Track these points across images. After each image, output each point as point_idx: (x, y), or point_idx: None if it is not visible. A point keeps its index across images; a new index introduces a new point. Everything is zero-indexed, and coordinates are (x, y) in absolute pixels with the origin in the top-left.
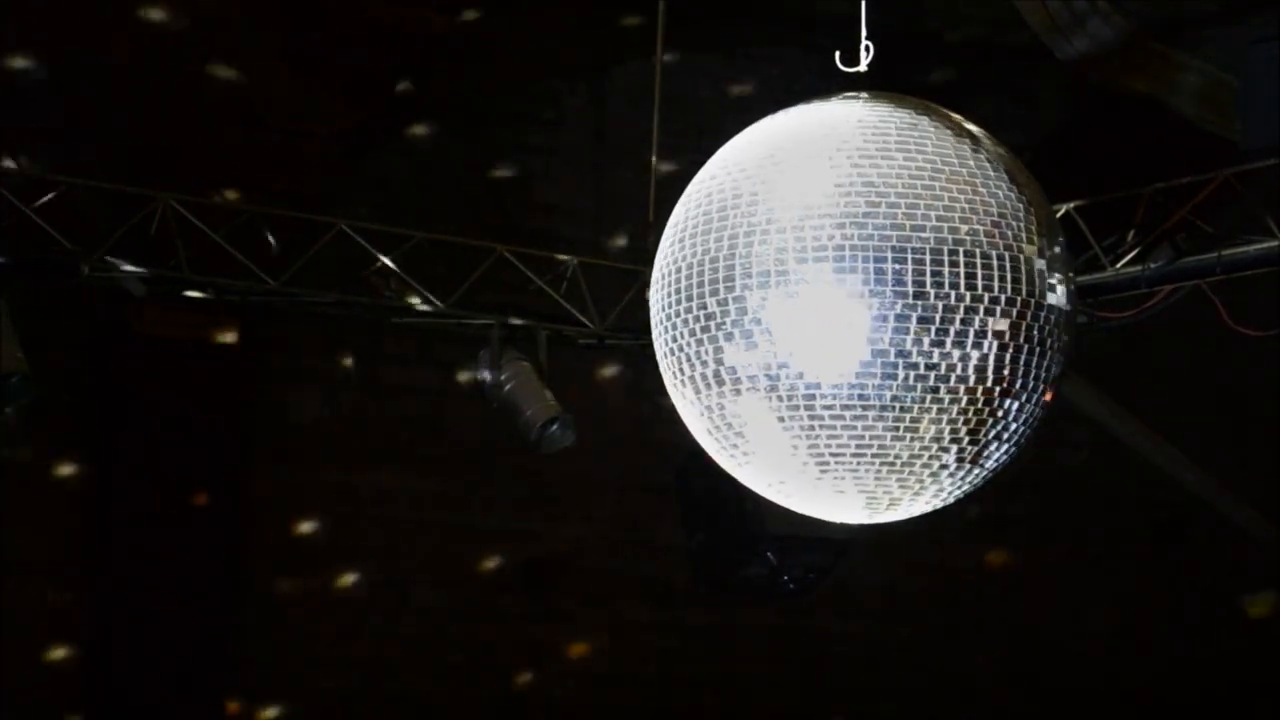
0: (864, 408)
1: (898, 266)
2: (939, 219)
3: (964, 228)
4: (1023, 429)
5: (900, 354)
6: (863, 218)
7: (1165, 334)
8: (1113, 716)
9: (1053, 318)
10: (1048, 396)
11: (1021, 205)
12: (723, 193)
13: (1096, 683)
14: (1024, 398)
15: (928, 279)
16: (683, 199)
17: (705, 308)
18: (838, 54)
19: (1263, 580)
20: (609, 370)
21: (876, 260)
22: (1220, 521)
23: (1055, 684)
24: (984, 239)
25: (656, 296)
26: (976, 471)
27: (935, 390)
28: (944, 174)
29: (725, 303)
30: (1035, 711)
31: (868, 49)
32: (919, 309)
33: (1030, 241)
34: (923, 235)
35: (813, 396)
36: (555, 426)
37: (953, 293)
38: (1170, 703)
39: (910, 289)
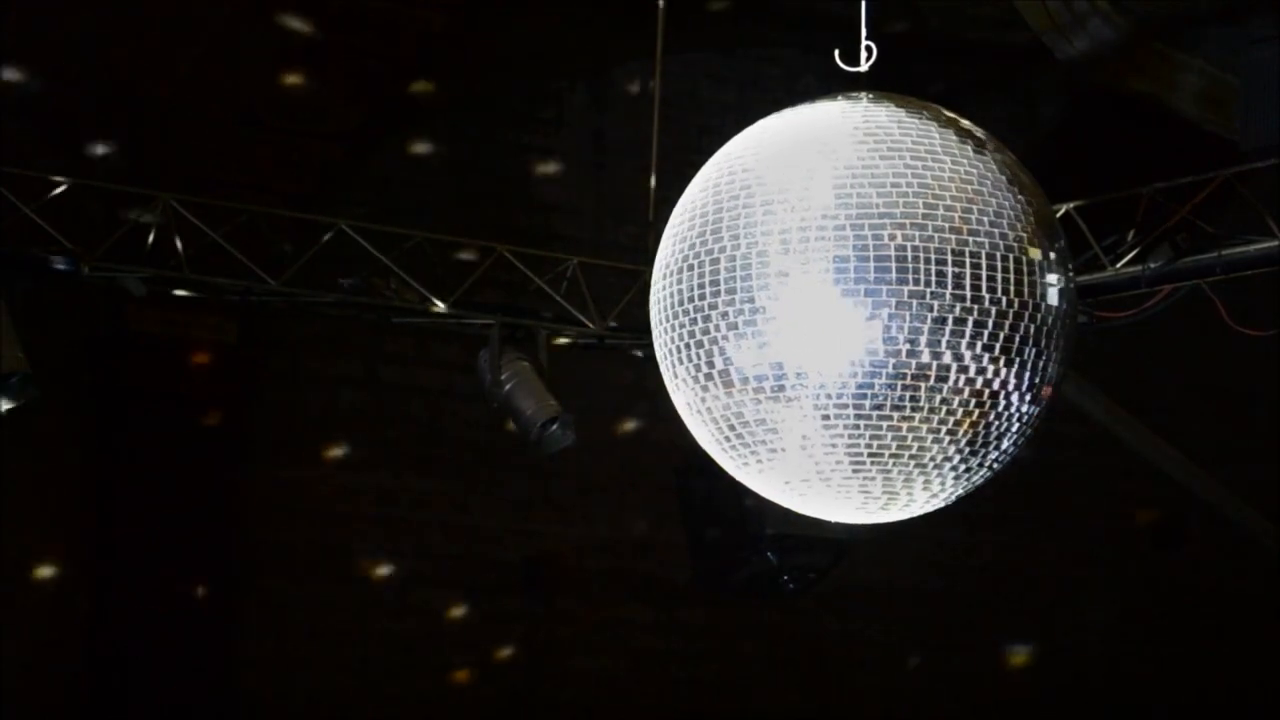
0: (913, 409)
1: (957, 270)
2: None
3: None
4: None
5: (955, 357)
6: (923, 218)
7: (1165, 334)
8: (1113, 716)
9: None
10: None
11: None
12: (764, 185)
13: (1096, 683)
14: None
15: (984, 282)
16: (708, 187)
17: (752, 301)
18: (837, 53)
19: (1263, 580)
20: (609, 370)
21: (939, 263)
22: (1220, 521)
23: (1055, 684)
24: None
25: (677, 287)
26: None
27: (979, 394)
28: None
29: (777, 297)
30: (1035, 711)
31: (869, 49)
32: (975, 312)
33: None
34: (978, 239)
35: (864, 395)
36: (555, 426)
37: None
38: (1170, 703)
39: (968, 292)
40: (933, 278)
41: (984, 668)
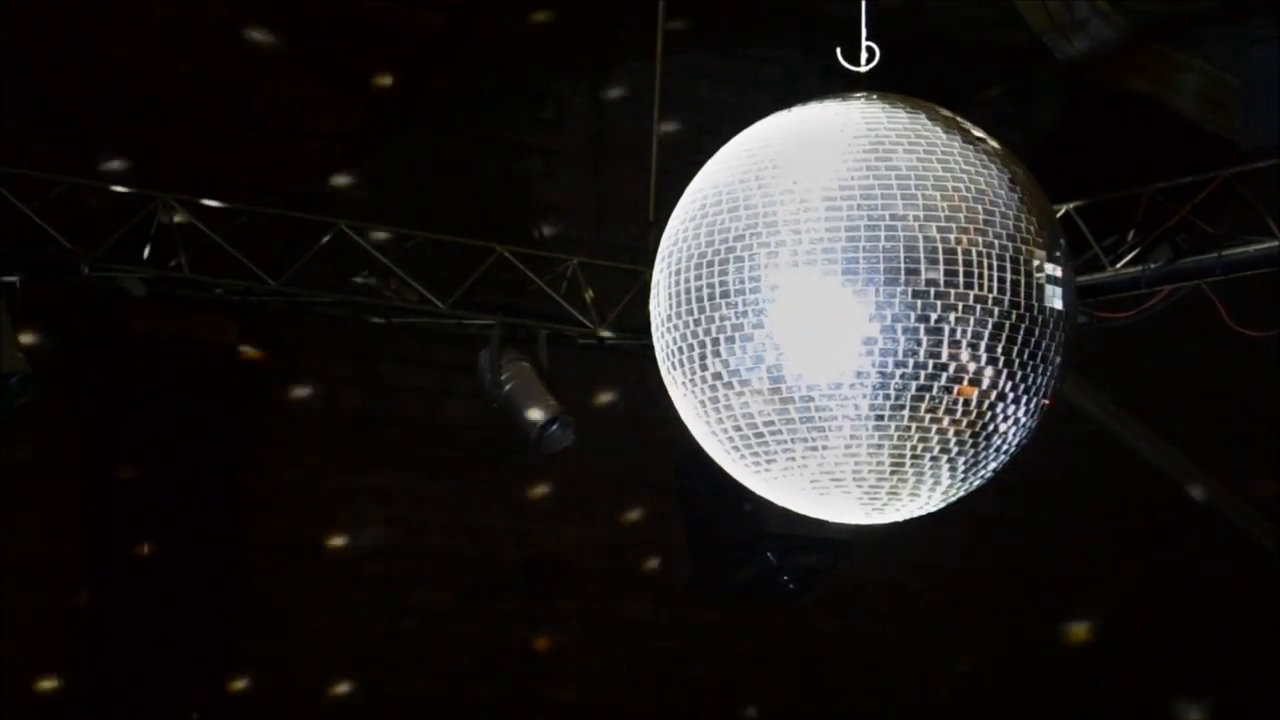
0: (963, 412)
1: (1003, 275)
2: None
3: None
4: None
5: (1006, 363)
6: (984, 223)
7: (1165, 334)
8: (1112, 716)
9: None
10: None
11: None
12: (818, 180)
13: (1096, 683)
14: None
15: (992, 283)
16: (748, 178)
17: (815, 297)
18: (839, 50)
19: (1263, 580)
20: (609, 370)
21: (999, 265)
22: (1220, 522)
23: (1055, 684)
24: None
25: (719, 278)
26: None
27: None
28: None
29: (840, 293)
30: (1035, 711)
31: (869, 50)
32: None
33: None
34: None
35: (920, 396)
36: (555, 426)
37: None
38: (1170, 703)
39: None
40: (994, 282)
41: (984, 668)
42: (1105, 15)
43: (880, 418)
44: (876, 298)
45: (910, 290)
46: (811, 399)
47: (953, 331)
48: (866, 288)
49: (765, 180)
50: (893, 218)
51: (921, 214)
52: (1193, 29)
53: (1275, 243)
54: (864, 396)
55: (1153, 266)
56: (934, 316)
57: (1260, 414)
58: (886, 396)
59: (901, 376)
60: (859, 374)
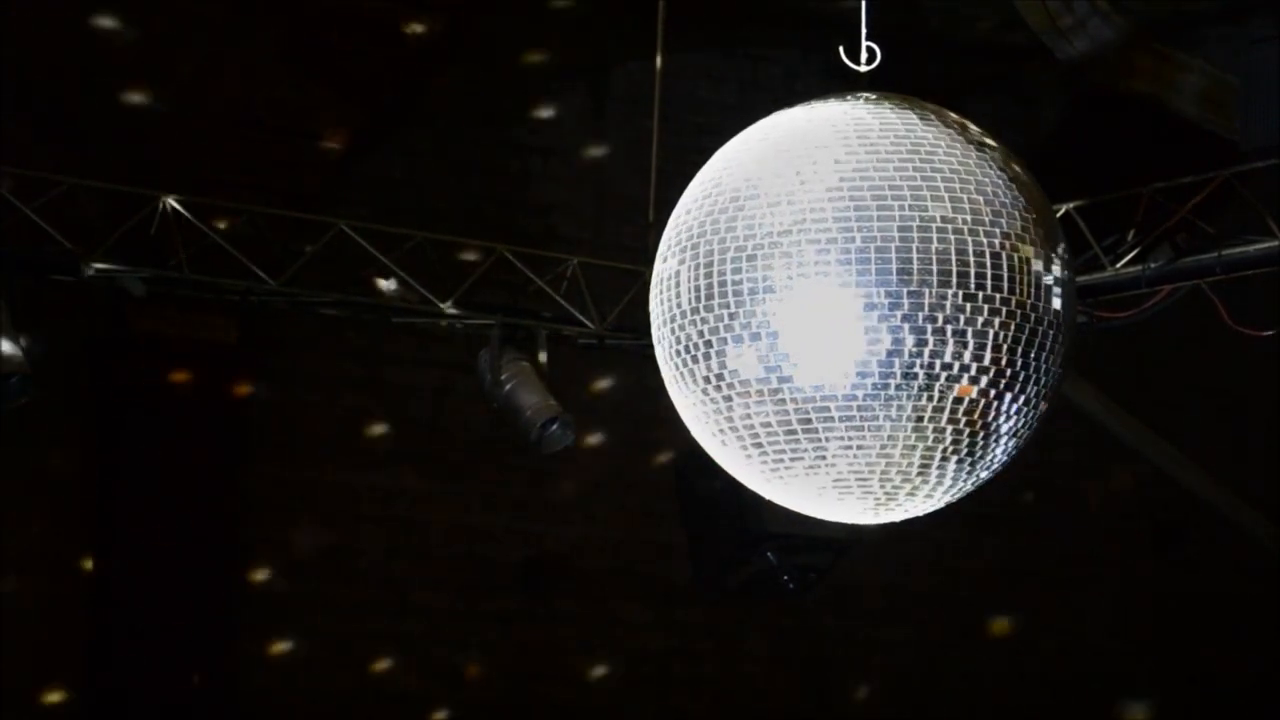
0: (997, 413)
1: (1037, 279)
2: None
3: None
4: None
5: (1036, 366)
6: (1021, 229)
7: (1165, 334)
8: (1113, 716)
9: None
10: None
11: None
12: (868, 178)
13: (1097, 683)
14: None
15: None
16: (786, 172)
17: (875, 293)
18: (841, 49)
19: (1263, 580)
20: (609, 370)
21: (1035, 270)
22: (1220, 521)
23: (1056, 684)
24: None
25: (763, 272)
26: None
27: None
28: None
29: (894, 291)
30: (1036, 711)
31: (870, 50)
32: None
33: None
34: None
35: (960, 401)
36: (555, 426)
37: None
38: (1170, 703)
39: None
40: (1030, 286)
41: (984, 668)
42: (1105, 15)
43: (920, 419)
44: (929, 299)
45: (961, 293)
46: (855, 398)
47: (996, 335)
48: (921, 289)
49: (807, 176)
50: (943, 220)
51: (969, 218)
52: (1193, 29)
53: (1275, 243)
54: (908, 398)
55: (1153, 266)
56: (980, 320)
57: (1260, 414)
58: (930, 398)
59: (947, 379)
60: (906, 375)
